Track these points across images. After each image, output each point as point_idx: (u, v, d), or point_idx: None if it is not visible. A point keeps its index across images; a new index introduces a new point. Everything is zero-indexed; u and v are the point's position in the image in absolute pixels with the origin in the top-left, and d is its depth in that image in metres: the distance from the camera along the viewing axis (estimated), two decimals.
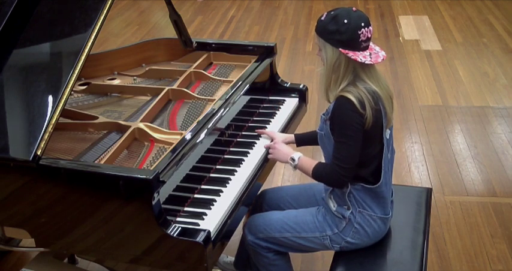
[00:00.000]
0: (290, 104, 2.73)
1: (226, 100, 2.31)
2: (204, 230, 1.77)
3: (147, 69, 2.80)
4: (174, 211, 1.93)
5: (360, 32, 1.88)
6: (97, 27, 2.04)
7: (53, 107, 1.89)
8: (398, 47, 5.67)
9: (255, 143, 2.36)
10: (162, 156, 1.93)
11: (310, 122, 4.02)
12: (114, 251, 1.88)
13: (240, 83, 2.47)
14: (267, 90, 2.78)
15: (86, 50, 2.00)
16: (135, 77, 2.76)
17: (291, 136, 2.37)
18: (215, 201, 2.00)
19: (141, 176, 1.73)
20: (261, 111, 2.65)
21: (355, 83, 1.94)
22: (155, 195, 1.74)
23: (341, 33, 1.88)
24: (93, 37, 2.02)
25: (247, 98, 2.54)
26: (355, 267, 2.07)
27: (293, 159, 2.14)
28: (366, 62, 1.89)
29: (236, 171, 2.17)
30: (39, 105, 1.92)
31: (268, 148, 2.31)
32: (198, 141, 2.04)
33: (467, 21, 6.32)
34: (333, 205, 2.10)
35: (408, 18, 6.53)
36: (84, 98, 2.55)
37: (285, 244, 2.18)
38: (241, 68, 2.75)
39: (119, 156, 2.07)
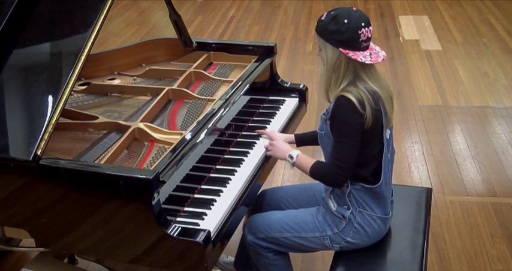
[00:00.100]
0: (290, 104, 2.73)
1: (226, 100, 2.31)
2: (204, 230, 1.77)
3: (147, 69, 2.80)
4: (174, 211, 1.93)
5: (360, 32, 1.88)
6: (97, 27, 2.04)
7: (53, 107, 1.89)
8: (398, 47, 5.67)
9: (255, 143, 2.36)
10: (162, 156, 1.93)
11: (310, 122, 4.02)
12: (114, 251, 1.88)
13: (240, 83, 2.47)
14: (267, 90, 2.78)
15: (86, 50, 2.00)
16: (135, 77, 2.76)
17: (291, 137, 2.37)
18: (215, 201, 2.00)
19: (141, 176, 1.73)
20: (261, 111, 2.65)
21: (355, 82, 1.94)
22: (155, 195, 1.74)
23: (341, 33, 1.88)
24: (93, 37, 2.02)
25: (247, 98, 2.54)
26: (355, 267, 2.07)
27: (291, 157, 2.15)
28: (366, 62, 1.90)
29: (236, 171, 2.17)
30: (39, 105, 1.92)
31: (267, 147, 2.31)
32: (198, 141, 2.04)
33: (467, 21, 6.32)
34: (333, 205, 2.10)
35: (408, 18, 6.53)
36: (84, 98, 2.55)
37: (285, 244, 2.18)
38: (241, 68, 2.75)
39: (119, 156, 2.07)
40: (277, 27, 6.37)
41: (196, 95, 2.49)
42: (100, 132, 2.24)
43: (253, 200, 2.37)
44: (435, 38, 5.87)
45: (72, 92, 2.40)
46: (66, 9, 2.17)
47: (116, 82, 2.71)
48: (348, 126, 1.92)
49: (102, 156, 2.07)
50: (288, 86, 2.82)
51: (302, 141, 2.37)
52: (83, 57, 1.99)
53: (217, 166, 2.21)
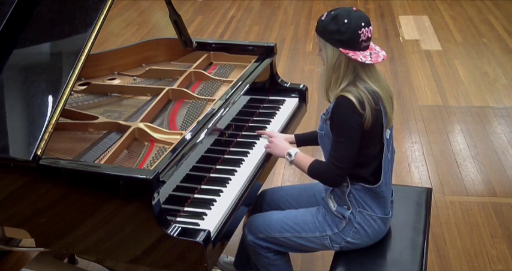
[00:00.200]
0: (290, 104, 2.73)
1: (226, 100, 2.31)
2: (204, 230, 1.77)
3: (147, 69, 2.80)
4: (174, 211, 1.93)
5: (360, 32, 1.88)
6: (97, 27, 2.04)
7: (53, 107, 1.89)
8: (398, 47, 5.67)
9: (255, 143, 2.36)
10: (162, 156, 1.93)
11: (310, 122, 4.02)
12: (114, 251, 1.88)
13: (240, 83, 2.46)
14: (267, 90, 2.78)
15: (86, 50, 2.00)
16: (135, 77, 2.76)
17: (291, 137, 2.37)
18: (215, 201, 2.00)
19: (141, 176, 1.73)
20: (261, 111, 2.65)
21: (355, 82, 1.94)
22: (155, 195, 1.74)
23: (341, 33, 1.88)
24: (93, 37, 2.02)
25: (247, 98, 2.54)
26: (355, 267, 2.07)
27: (289, 155, 2.15)
28: (366, 62, 1.89)
29: (236, 171, 2.17)
30: (39, 105, 1.92)
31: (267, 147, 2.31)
32: (198, 141, 2.04)
33: (467, 21, 6.32)
34: (333, 205, 2.10)
35: (408, 18, 6.53)
36: (84, 98, 2.55)
37: (285, 244, 2.18)
38: (241, 68, 2.75)
39: (119, 156, 2.07)
40: (277, 27, 6.37)
41: (196, 95, 2.49)
42: (100, 132, 2.24)
43: (253, 200, 2.37)
44: (435, 38, 5.87)
45: (72, 92, 2.40)
46: (66, 9, 2.17)
47: (116, 82, 2.71)
48: (348, 126, 1.92)
49: (102, 156, 2.07)
50: (288, 86, 2.82)
51: (302, 141, 2.37)
52: (83, 57, 1.99)
53: (217, 167, 2.21)
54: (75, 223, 1.87)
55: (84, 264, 2.62)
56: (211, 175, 2.16)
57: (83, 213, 1.84)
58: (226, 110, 2.26)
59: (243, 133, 2.45)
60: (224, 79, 2.68)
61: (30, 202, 1.89)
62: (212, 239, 1.80)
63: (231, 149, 2.33)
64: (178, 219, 1.91)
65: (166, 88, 2.50)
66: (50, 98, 1.92)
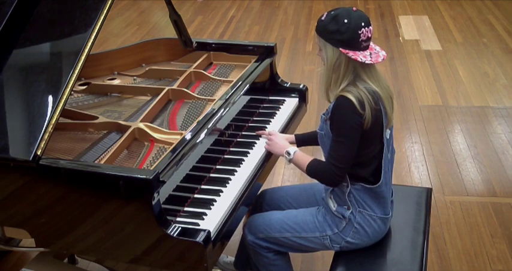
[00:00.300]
0: (290, 104, 2.73)
1: (226, 100, 2.31)
2: (204, 230, 1.77)
3: (147, 69, 2.80)
4: (174, 211, 1.93)
5: (360, 32, 1.88)
6: (97, 27, 2.04)
7: (53, 107, 1.89)
8: (398, 47, 5.67)
9: (255, 143, 2.36)
10: (162, 156, 1.93)
11: (310, 122, 4.02)
12: (114, 251, 1.88)
13: (240, 83, 2.46)
14: (267, 90, 2.78)
15: (86, 50, 2.00)
16: (135, 77, 2.76)
17: (291, 137, 2.37)
18: (215, 201, 2.00)
19: (141, 176, 1.73)
20: (261, 111, 2.65)
21: (355, 82, 1.94)
22: (155, 195, 1.74)
23: (341, 33, 1.88)
24: (93, 37, 2.02)
25: (247, 98, 2.54)
26: (355, 267, 2.07)
27: (288, 153, 2.15)
28: (366, 62, 1.89)
29: (236, 171, 2.17)
30: (39, 105, 1.92)
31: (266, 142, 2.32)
32: (198, 141, 2.04)
33: (467, 21, 6.32)
34: (333, 205, 2.09)
35: (408, 18, 6.53)
36: (84, 98, 2.55)
37: (285, 244, 2.18)
38: (241, 68, 2.75)
39: (119, 156, 2.07)
40: (277, 27, 6.37)
41: (196, 95, 2.49)
42: (100, 132, 2.24)
43: (253, 200, 2.37)
44: (435, 38, 5.87)
45: (72, 92, 2.40)
46: (66, 9, 2.17)
47: (116, 82, 2.71)
48: (347, 126, 1.92)
49: (102, 156, 2.07)
50: (288, 86, 2.82)
51: (302, 141, 2.37)
52: (83, 57, 1.99)
53: (217, 166, 2.21)
54: (75, 223, 1.87)
55: (84, 264, 2.62)
56: (211, 175, 2.16)
57: (83, 213, 1.84)
58: (226, 110, 2.26)
59: (243, 133, 2.45)
60: (224, 79, 2.68)
61: (30, 202, 1.89)
62: (212, 239, 1.80)
63: (231, 149, 2.33)
64: (178, 219, 1.91)
65: (166, 88, 2.50)
66: (50, 98, 1.92)
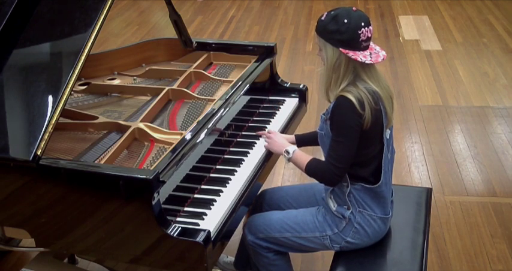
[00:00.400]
0: (290, 104, 2.73)
1: (226, 100, 2.31)
2: (204, 230, 1.77)
3: (147, 69, 2.80)
4: (174, 211, 1.93)
5: (360, 32, 1.88)
6: (97, 27, 2.04)
7: (53, 107, 1.89)
8: (398, 47, 5.67)
9: (255, 143, 2.36)
10: (162, 156, 1.93)
11: (310, 122, 4.02)
12: (114, 251, 1.88)
13: (240, 83, 2.47)
14: (267, 90, 2.78)
15: (86, 50, 2.00)
16: (135, 77, 2.76)
17: (291, 137, 2.37)
18: (215, 201, 2.00)
19: (141, 176, 1.73)
20: (261, 111, 2.65)
21: (355, 82, 1.94)
22: (155, 195, 1.74)
23: (341, 33, 1.88)
24: (93, 37, 2.02)
25: (247, 98, 2.54)
26: (355, 267, 2.07)
27: (287, 152, 2.15)
28: (366, 62, 1.89)
29: (236, 171, 2.17)
30: (39, 105, 1.92)
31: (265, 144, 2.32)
32: (198, 141, 2.04)
33: (467, 21, 6.32)
34: (333, 205, 2.09)
35: (408, 18, 6.53)
36: (84, 98, 2.55)
37: (285, 244, 2.18)
38: (241, 68, 2.75)
39: (119, 156, 2.07)
40: (277, 27, 6.37)
41: (196, 95, 2.49)
42: (100, 132, 2.24)
43: (253, 200, 2.37)
44: (435, 38, 5.87)
45: (72, 92, 2.40)
46: (66, 9, 2.17)
47: (116, 82, 2.71)
48: (347, 126, 1.92)
49: (102, 156, 2.07)
50: (288, 86, 2.82)
51: (303, 141, 2.37)
52: (83, 57, 1.99)
53: (217, 167, 2.21)
54: (75, 223, 1.87)
55: (84, 264, 2.62)
56: (211, 175, 2.16)
57: (83, 213, 1.84)
58: (226, 110, 2.26)
59: (243, 133, 2.45)
60: (224, 79, 2.68)
61: (30, 202, 1.89)
62: (212, 239, 1.80)
63: (231, 149, 2.33)
64: (178, 219, 1.91)
65: (166, 88, 2.50)
66: (50, 98, 1.92)
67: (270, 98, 2.77)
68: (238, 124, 2.43)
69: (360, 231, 2.07)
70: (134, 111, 2.40)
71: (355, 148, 1.95)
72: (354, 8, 1.91)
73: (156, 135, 2.15)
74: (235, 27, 6.39)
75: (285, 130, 2.55)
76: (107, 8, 2.09)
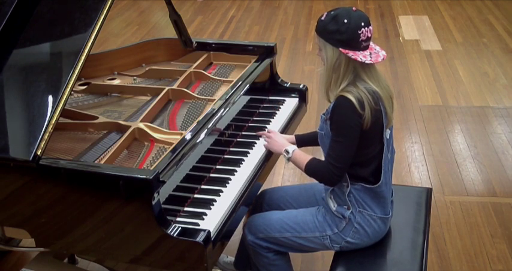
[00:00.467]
0: (290, 104, 2.73)
1: (226, 100, 2.31)
2: (204, 230, 1.77)
3: (147, 69, 2.80)
4: (174, 211, 1.93)
5: (360, 32, 1.88)
6: (97, 27, 2.04)
7: (53, 107, 1.89)
8: (398, 47, 5.67)
9: (255, 143, 2.36)
10: (162, 156, 1.93)
11: (310, 122, 4.02)
12: (114, 251, 1.88)
13: (240, 83, 2.47)
14: (267, 90, 2.78)
15: (86, 50, 2.00)
16: (135, 77, 2.76)
17: (291, 137, 2.37)
18: (215, 201, 2.00)
19: (141, 176, 1.73)
20: (261, 111, 2.65)
21: (355, 82, 1.94)
22: (155, 195, 1.74)
23: (341, 33, 1.88)
24: (93, 37, 2.02)
25: (247, 98, 2.54)
26: (355, 267, 2.07)
27: (287, 152, 2.15)
28: (366, 62, 1.90)
29: (236, 171, 2.17)
30: (39, 105, 1.92)
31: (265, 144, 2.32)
32: (198, 141, 2.04)
33: (467, 21, 6.32)
34: (333, 205, 2.09)
35: (408, 18, 6.53)
36: (84, 98, 2.55)
37: (285, 244, 2.18)
38: (241, 68, 2.75)
39: (119, 156, 2.07)
40: (277, 27, 6.37)
41: (196, 95, 2.49)
42: (100, 132, 2.24)
43: (253, 200, 2.37)
44: (435, 38, 5.87)
45: (72, 92, 2.40)
46: (66, 9, 2.17)
47: (116, 82, 2.71)
48: (347, 126, 1.92)
49: (102, 156, 2.07)
50: (288, 86, 2.82)
51: (303, 141, 2.37)
52: (83, 57, 1.99)
53: (217, 166, 2.21)
54: (75, 223, 1.87)
55: (84, 264, 2.62)
56: (211, 175, 2.16)
57: (83, 213, 1.84)
58: (226, 110, 2.26)
59: (243, 133, 2.45)
60: (224, 79, 2.68)
61: (30, 202, 1.89)
62: (212, 239, 1.80)
63: (231, 149, 2.33)
64: (178, 219, 1.91)
65: (166, 88, 2.50)
66: (50, 98, 1.92)
67: (270, 98, 2.77)
68: (238, 124, 2.43)
69: (360, 231, 2.07)
70: (134, 111, 2.40)
71: (354, 148, 1.95)
72: (353, 8, 1.91)
73: (156, 135, 2.15)
74: (235, 27, 6.39)
75: (285, 130, 2.55)
76: (107, 8, 2.09)
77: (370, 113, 1.91)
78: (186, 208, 1.97)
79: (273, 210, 2.32)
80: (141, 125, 2.19)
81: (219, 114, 2.21)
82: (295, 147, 2.17)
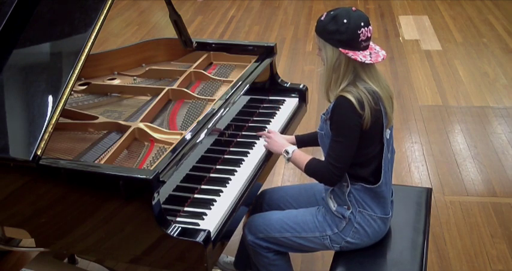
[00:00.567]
0: (290, 104, 2.73)
1: (226, 100, 2.31)
2: (204, 230, 1.77)
3: (147, 69, 2.80)
4: (174, 211, 1.93)
5: (359, 32, 1.88)
6: (97, 27, 2.04)
7: (53, 107, 1.89)
8: (398, 47, 5.67)
9: (255, 143, 2.36)
10: (162, 156, 1.93)
11: (310, 122, 4.02)
12: (114, 251, 1.88)
13: (240, 83, 2.47)
14: (267, 90, 2.78)
15: (86, 50, 2.00)
16: (135, 77, 2.76)
17: (291, 138, 2.37)
18: (215, 201, 2.00)
19: (141, 176, 1.73)
20: (261, 111, 2.65)
21: (355, 82, 1.94)
22: (155, 195, 1.74)
23: (341, 33, 1.88)
24: (93, 37, 2.02)
25: (247, 98, 2.54)
26: (355, 267, 2.07)
27: (287, 152, 2.15)
28: (366, 62, 1.90)
29: (236, 171, 2.17)
30: (39, 105, 1.92)
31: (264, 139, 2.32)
32: (198, 141, 2.04)
33: (467, 21, 6.32)
34: (333, 205, 2.09)
35: (408, 18, 6.53)
36: (84, 98, 2.55)
37: (285, 244, 2.18)
38: (241, 68, 2.75)
39: (119, 156, 2.07)
40: (277, 27, 6.37)
41: (196, 95, 2.49)
42: (100, 132, 2.25)
43: (253, 200, 2.37)
44: (435, 38, 5.87)
45: (72, 92, 2.40)
46: (66, 9, 2.17)
47: (116, 82, 2.71)
48: (347, 126, 1.92)
49: (102, 156, 2.07)
50: (288, 86, 2.82)
51: (303, 142, 2.37)
52: (83, 57, 1.99)
53: (217, 167, 2.21)
54: (75, 223, 1.87)
55: (84, 264, 2.62)
56: (211, 175, 2.16)
57: (83, 213, 1.84)
58: (226, 110, 2.26)
59: (243, 133, 2.45)
60: (224, 79, 2.68)
61: (30, 202, 1.89)
62: (212, 239, 1.80)
63: (231, 149, 2.33)
64: (178, 219, 1.92)
65: (166, 88, 2.50)
66: (50, 98, 1.92)
67: (270, 98, 2.77)
68: (238, 124, 2.43)
69: (360, 231, 2.07)
70: (134, 111, 2.40)
71: (354, 148, 1.95)
72: (353, 8, 1.91)
73: (156, 135, 2.15)
74: (235, 27, 6.39)
75: (285, 130, 2.55)
76: (107, 8, 2.09)
77: (370, 113, 1.91)
78: (186, 208, 1.97)
79: (273, 210, 2.32)
80: (141, 125, 2.19)
81: (219, 114, 2.21)
82: (295, 147, 2.18)
